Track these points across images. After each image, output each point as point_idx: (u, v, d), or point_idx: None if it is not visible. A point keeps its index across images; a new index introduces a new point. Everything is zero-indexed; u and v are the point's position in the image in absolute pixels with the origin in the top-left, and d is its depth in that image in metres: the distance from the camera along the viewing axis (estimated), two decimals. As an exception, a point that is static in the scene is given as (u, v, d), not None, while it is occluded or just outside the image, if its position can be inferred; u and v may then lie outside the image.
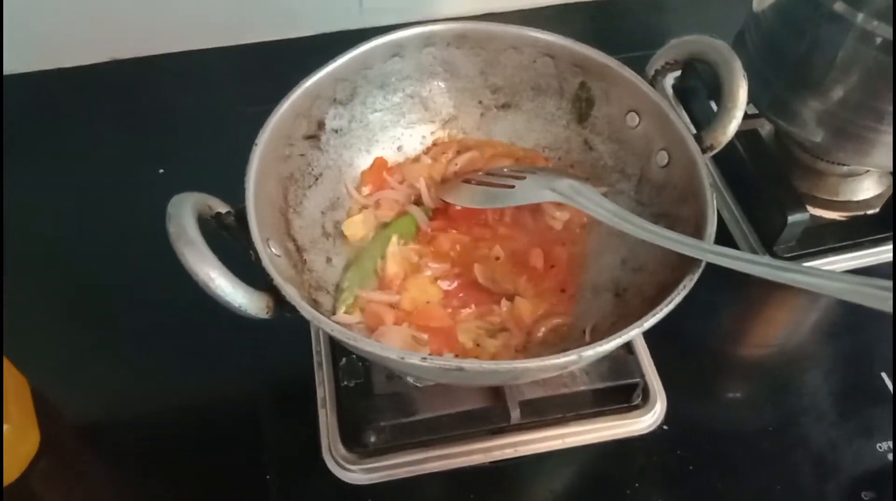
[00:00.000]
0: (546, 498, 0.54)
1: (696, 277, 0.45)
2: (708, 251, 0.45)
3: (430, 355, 0.41)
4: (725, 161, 0.70)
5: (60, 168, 0.73)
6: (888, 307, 0.38)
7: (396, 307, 0.53)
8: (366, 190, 0.59)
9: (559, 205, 0.57)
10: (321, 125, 0.56)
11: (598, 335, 0.52)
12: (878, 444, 0.56)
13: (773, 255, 0.65)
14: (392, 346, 0.47)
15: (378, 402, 0.53)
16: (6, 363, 0.55)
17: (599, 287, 0.55)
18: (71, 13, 0.76)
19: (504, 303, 0.54)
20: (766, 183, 0.66)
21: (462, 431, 0.54)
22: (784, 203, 0.63)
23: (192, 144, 0.74)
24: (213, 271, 0.40)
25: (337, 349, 0.57)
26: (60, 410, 0.57)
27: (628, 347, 0.57)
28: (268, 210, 0.50)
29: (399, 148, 0.62)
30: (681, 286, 0.44)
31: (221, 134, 0.74)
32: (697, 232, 0.48)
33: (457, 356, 0.51)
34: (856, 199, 0.69)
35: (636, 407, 0.56)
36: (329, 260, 0.55)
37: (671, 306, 0.43)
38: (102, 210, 0.69)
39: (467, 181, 0.58)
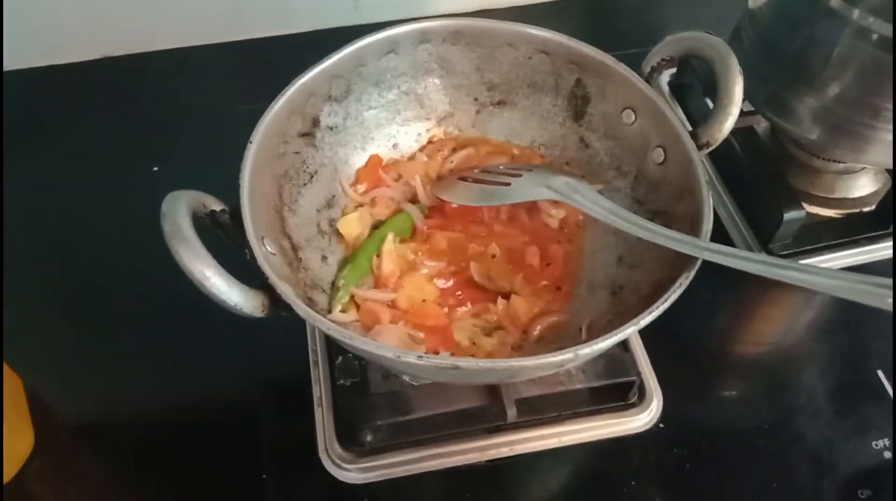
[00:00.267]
0: (542, 497, 0.54)
1: (692, 274, 0.45)
2: (704, 249, 0.45)
3: (426, 353, 0.41)
4: (721, 158, 0.70)
5: (54, 166, 0.72)
6: (887, 305, 0.38)
7: (392, 306, 0.53)
8: (361, 188, 0.59)
9: (555, 203, 0.57)
10: (316, 122, 0.56)
11: (595, 332, 0.51)
12: (875, 442, 0.56)
13: (770, 252, 0.65)
14: (388, 345, 0.47)
15: (374, 401, 0.53)
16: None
17: (595, 285, 0.55)
18: (64, 9, 0.76)
19: (500, 301, 0.54)
20: (762, 180, 0.66)
21: (458, 429, 0.54)
22: (780, 200, 0.63)
23: (187, 141, 0.74)
24: (207, 269, 0.40)
25: (333, 347, 0.57)
26: (55, 409, 0.57)
27: (624, 345, 0.57)
28: (262, 208, 0.49)
29: (394, 145, 0.61)
30: (677, 284, 0.44)
31: (216, 131, 0.73)
32: (694, 229, 0.48)
33: (453, 354, 0.51)
34: (852, 196, 0.69)
35: (632, 405, 0.56)
36: (324, 258, 0.55)
37: (667, 304, 0.43)
38: (96, 209, 0.68)
39: (463, 179, 0.57)
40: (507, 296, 0.54)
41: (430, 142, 0.62)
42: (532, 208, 0.58)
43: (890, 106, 0.56)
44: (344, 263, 0.56)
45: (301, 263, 0.53)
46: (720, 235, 0.66)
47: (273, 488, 0.53)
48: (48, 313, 0.62)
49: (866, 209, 0.68)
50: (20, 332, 0.59)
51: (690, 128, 0.52)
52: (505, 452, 0.54)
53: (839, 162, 0.67)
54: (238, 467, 0.54)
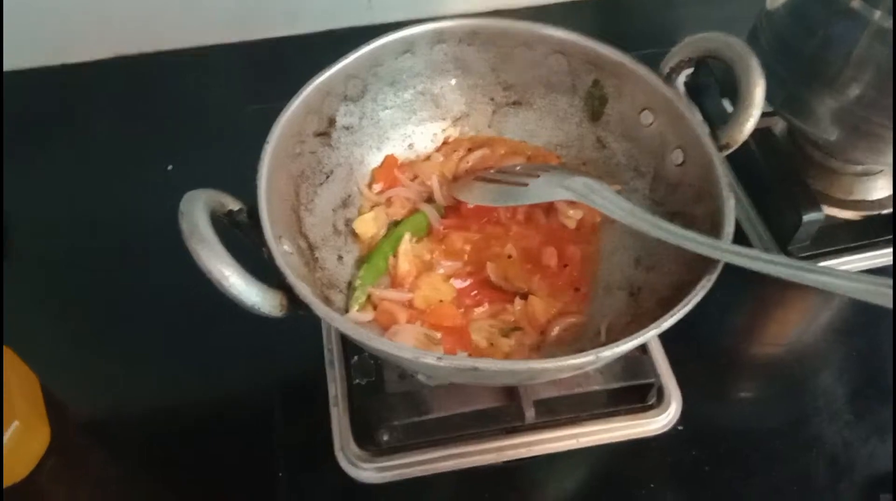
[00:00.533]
0: (560, 499, 0.54)
1: (714, 277, 0.44)
2: (726, 251, 0.45)
3: (445, 355, 0.41)
4: (738, 159, 0.69)
5: (67, 164, 0.72)
6: None
7: (409, 306, 0.53)
8: (377, 188, 0.59)
9: (572, 203, 0.57)
10: (332, 122, 0.56)
11: (613, 334, 0.51)
12: (895, 445, 0.55)
13: (788, 254, 0.64)
14: (407, 345, 0.47)
15: (391, 401, 0.52)
16: (17, 361, 0.55)
17: (613, 286, 0.55)
18: (75, 8, 0.76)
19: (517, 302, 0.54)
20: (780, 182, 0.65)
21: (475, 430, 0.54)
22: (798, 202, 0.63)
23: (200, 140, 0.74)
24: (226, 268, 0.40)
25: (349, 346, 0.57)
26: (70, 407, 0.57)
27: (643, 346, 0.57)
28: (279, 207, 0.49)
29: (410, 146, 0.61)
30: (699, 287, 0.44)
31: (229, 131, 0.74)
32: (713, 231, 0.47)
33: (470, 355, 0.51)
34: (869, 198, 0.68)
35: (651, 407, 0.56)
36: (340, 258, 0.55)
37: (689, 307, 0.43)
38: (111, 207, 0.68)
39: (480, 179, 0.57)
40: (524, 297, 0.54)
41: (445, 142, 0.62)
42: (549, 208, 0.58)
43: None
44: (360, 262, 0.55)
45: (317, 262, 0.52)
46: (737, 236, 0.64)
47: (288, 486, 0.53)
48: (64, 311, 0.62)
49: (884, 212, 0.68)
50: (36, 330, 0.59)
51: (709, 129, 0.52)
52: (522, 453, 0.54)
53: (857, 164, 0.67)
54: (253, 465, 0.54)
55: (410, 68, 0.58)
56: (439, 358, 0.40)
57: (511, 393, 0.52)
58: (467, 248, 0.56)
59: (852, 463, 0.55)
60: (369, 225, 0.56)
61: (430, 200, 0.59)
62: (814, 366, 0.60)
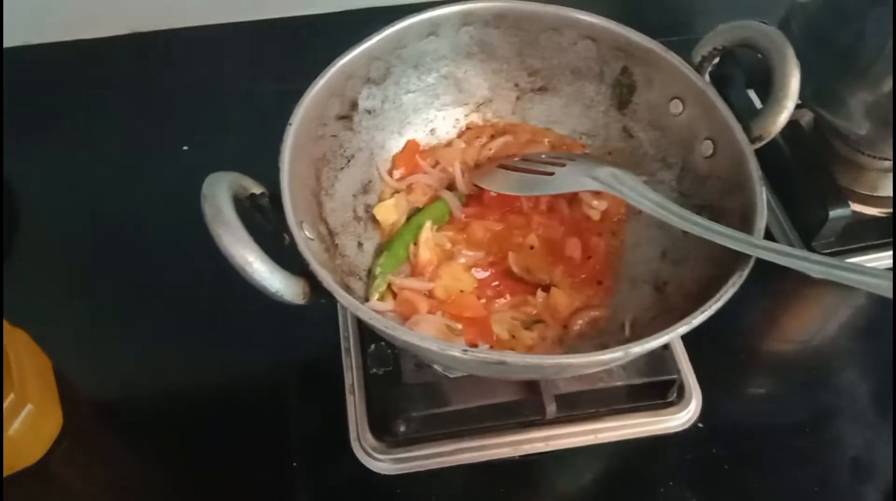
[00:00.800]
0: (577, 494, 0.53)
1: (745, 273, 0.43)
2: (758, 247, 0.43)
3: (470, 348, 0.40)
4: (763, 152, 0.68)
5: (80, 143, 0.71)
6: None
7: (430, 296, 0.52)
8: (398, 174, 0.58)
9: (597, 194, 0.56)
10: (354, 105, 0.55)
11: (638, 329, 0.50)
12: (920, 447, 0.55)
13: (812, 250, 0.63)
14: (431, 336, 0.46)
15: (408, 391, 0.52)
16: (31, 344, 0.54)
17: (638, 280, 0.54)
18: (90, -17, 0.74)
19: (540, 294, 0.53)
20: (807, 176, 0.64)
21: (493, 423, 0.53)
22: (825, 197, 0.62)
23: (215, 121, 0.73)
24: (250, 254, 0.39)
25: (365, 335, 0.56)
26: (83, 391, 0.56)
27: (665, 342, 0.56)
28: (300, 192, 0.48)
29: (432, 131, 0.60)
30: (730, 283, 0.43)
31: (245, 111, 0.73)
32: (744, 225, 0.46)
33: (491, 347, 0.50)
34: (895, 195, 0.67)
35: (671, 404, 0.55)
36: (360, 245, 0.54)
37: (721, 303, 0.42)
38: (125, 188, 0.67)
39: (503, 167, 0.56)
40: (546, 289, 0.53)
41: (467, 128, 0.61)
42: (573, 198, 0.57)
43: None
44: (380, 250, 0.54)
45: (337, 249, 0.51)
46: (762, 231, 0.65)
47: (303, 475, 0.52)
48: (77, 294, 0.61)
49: (911, 209, 0.67)
50: (49, 313, 0.59)
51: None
52: (540, 447, 0.53)
53: (885, 159, 0.65)
54: (267, 454, 0.53)
55: (435, 51, 0.57)
56: (465, 351, 0.39)
57: (531, 387, 0.51)
58: (489, 237, 0.55)
59: (875, 465, 0.54)
60: (390, 212, 0.55)
61: (451, 187, 0.58)
62: (836, 364, 0.59)
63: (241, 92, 0.74)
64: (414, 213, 0.56)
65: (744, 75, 0.69)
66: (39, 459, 0.52)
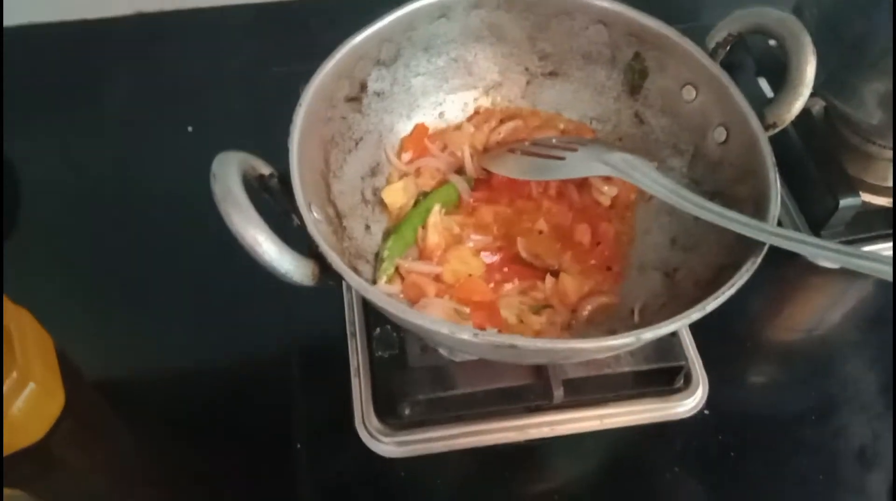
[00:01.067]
0: (581, 480, 0.53)
1: (759, 260, 0.43)
2: (773, 234, 0.43)
3: (480, 331, 0.40)
4: (773, 140, 0.68)
5: (84, 123, 0.70)
6: None
7: (438, 280, 0.52)
8: (406, 157, 0.57)
9: (607, 179, 0.55)
10: (363, 87, 0.54)
11: (647, 315, 0.50)
12: (926, 437, 0.54)
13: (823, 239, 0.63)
14: (441, 319, 0.45)
15: (414, 375, 0.51)
16: (33, 323, 0.54)
17: (647, 266, 0.53)
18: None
19: (548, 279, 0.53)
20: (817, 165, 0.64)
21: (499, 407, 0.53)
22: (835, 186, 0.61)
23: (221, 102, 0.72)
24: (260, 234, 0.39)
25: (371, 318, 0.55)
26: (85, 370, 0.56)
27: (672, 329, 0.56)
28: (309, 174, 0.48)
29: (441, 114, 0.59)
30: (743, 269, 0.42)
31: (250, 92, 0.72)
32: (756, 213, 0.46)
33: (499, 331, 0.50)
34: (904, 185, 0.67)
35: (677, 391, 0.55)
36: (368, 228, 0.54)
37: (734, 290, 0.42)
38: (129, 168, 0.67)
39: (513, 151, 0.55)
40: (555, 274, 0.53)
41: (476, 112, 0.60)
42: (583, 184, 0.56)
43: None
44: (388, 233, 0.54)
45: (345, 232, 0.51)
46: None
47: (308, 458, 0.52)
48: (80, 273, 0.61)
49: (919, 200, 0.66)
50: (52, 293, 0.58)
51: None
52: (545, 432, 0.53)
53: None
54: (272, 436, 0.53)
55: (445, 34, 0.56)
56: (476, 335, 0.39)
57: (538, 372, 0.51)
58: (497, 221, 0.55)
59: (881, 454, 0.54)
60: (398, 195, 0.55)
61: (459, 171, 0.57)
62: (842, 353, 0.59)
63: (247, 73, 0.74)
64: (422, 196, 0.56)
65: (754, 63, 0.69)
66: (41, 438, 0.52)
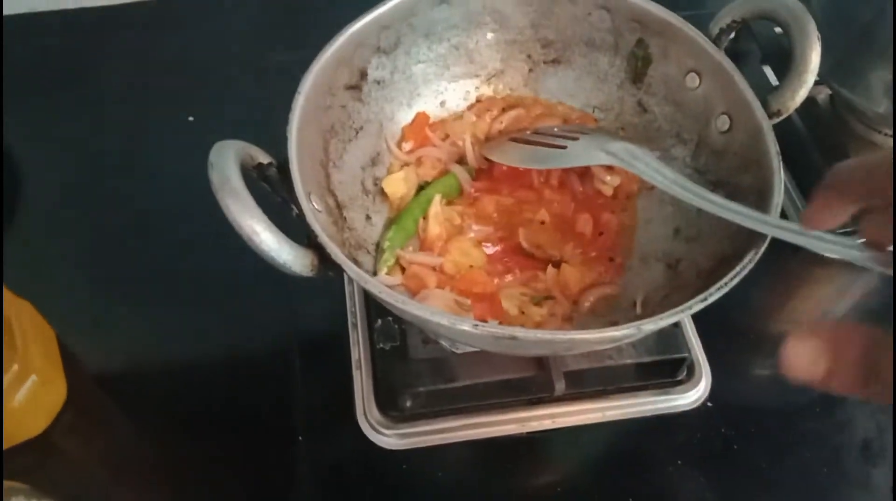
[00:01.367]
0: (583, 472, 0.53)
1: (761, 251, 0.42)
2: (774, 226, 0.42)
3: (481, 322, 0.39)
4: (778, 129, 0.67)
5: (83, 112, 0.70)
6: None
7: (439, 271, 0.51)
8: (407, 146, 0.56)
9: (610, 169, 0.55)
10: (363, 75, 0.53)
11: (649, 307, 0.50)
12: (930, 431, 0.54)
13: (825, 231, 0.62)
14: (442, 310, 0.45)
15: (415, 367, 0.51)
16: (35, 315, 0.53)
17: (650, 257, 0.53)
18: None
19: (550, 270, 0.52)
20: (822, 154, 0.63)
21: (500, 400, 0.53)
22: (840, 176, 0.60)
23: (221, 90, 0.72)
24: (258, 224, 0.38)
25: (372, 309, 0.55)
26: (87, 363, 0.56)
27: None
28: (309, 163, 0.47)
29: (442, 103, 0.59)
30: (745, 260, 0.42)
31: (251, 81, 0.72)
32: (760, 202, 0.45)
33: (501, 323, 0.49)
34: (912, 175, 0.66)
35: (680, 383, 0.54)
36: (368, 218, 0.53)
37: (736, 281, 0.41)
38: (129, 159, 0.66)
39: (514, 140, 0.55)
40: (556, 265, 0.52)
41: (478, 100, 0.59)
42: (585, 174, 0.55)
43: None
44: (388, 223, 0.54)
45: (346, 222, 0.51)
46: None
47: (309, 450, 0.52)
48: (81, 265, 0.61)
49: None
50: (52, 285, 0.58)
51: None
52: (547, 424, 0.53)
53: (903, 137, 0.64)
54: (274, 428, 0.53)
55: (446, 20, 0.55)
56: (476, 326, 0.39)
57: (539, 364, 0.51)
58: (499, 212, 0.54)
59: (885, 448, 0.53)
60: (398, 185, 0.54)
61: (460, 160, 0.57)
62: (847, 346, 0.59)
63: (248, 61, 0.73)
64: (423, 186, 0.55)
65: (759, 51, 0.68)
66: (43, 430, 0.52)
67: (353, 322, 0.56)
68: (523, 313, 0.50)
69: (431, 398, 0.52)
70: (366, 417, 0.52)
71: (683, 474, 0.52)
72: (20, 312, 0.52)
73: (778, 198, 0.45)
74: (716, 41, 0.52)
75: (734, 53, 0.73)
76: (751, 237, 0.43)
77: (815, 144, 0.64)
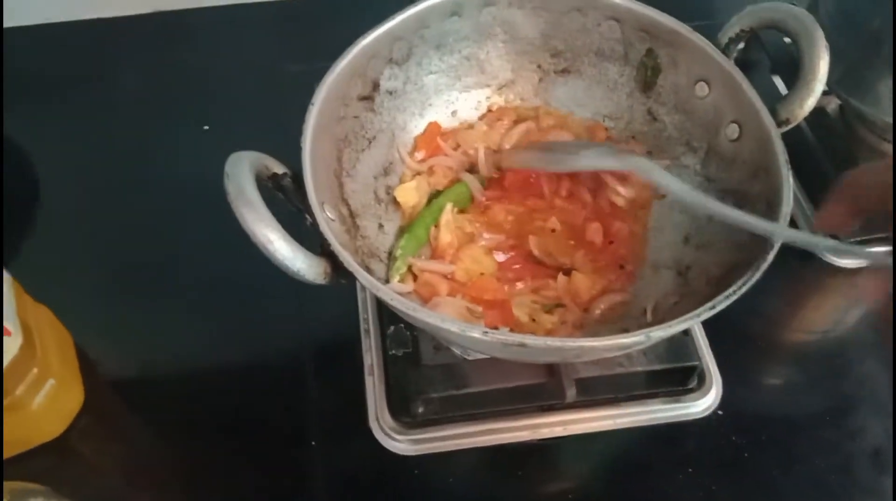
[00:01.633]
0: (594, 479, 0.53)
1: (770, 258, 0.42)
2: (781, 236, 0.43)
3: (491, 329, 0.40)
4: (787, 138, 0.67)
5: (101, 121, 0.71)
6: None
7: (450, 278, 0.52)
8: (419, 155, 0.57)
9: (624, 181, 0.55)
10: (376, 86, 0.54)
11: (659, 314, 0.50)
12: (943, 440, 0.54)
13: (835, 239, 0.62)
14: (452, 318, 0.45)
15: (427, 373, 0.51)
16: (53, 319, 0.54)
17: (660, 265, 0.53)
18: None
19: (560, 278, 0.52)
20: (833, 163, 0.63)
21: (512, 406, 0.53)
22: (851, 185, 0.60)
23: (237, 100, 0.73)
24: (272, 233, 0.39)
25: (385, 316, 0.56)
26: (104, 367, 0.56)
27: (686, 328, 0.55)
28: (322, 173, 0.48)
29: (453, 113, 0.59)
30: (754, 267, 0.42)
31: (266, 91, 0.73)
32: (769, 210, 0.46)
33: (511, 330, 0.50)
34: (923, 184, 0.66)
35: (691, 391, 0.54)
36: (381, 227, 0.54)
37: (745, 288, 0.41)
38: (146, 166, 0.67)
39: (529, 149, 0.55)
40: (567, 272, 0.53)
41: (489, 110, 0.60)
42: (598, 186, 0.56)
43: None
44: (401, 232, 0.54)
45: (358, 230, 0.51)
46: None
47: (322, 455, 0.52)
48: (99, 270, 0.62)
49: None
50: (70, 289, 0.59)
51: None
52: (558, 431, 0.53)
53: (913, 147, 0.64)
54: (287, 433, 0.54)
55: (457, 31, 0.56)
56: (485, 333, 0.39)
57: (551, 371, 0.51)
58: (510, 220, 0.55)
59: (897, 457, 0.53)
60: (411, 194, 0.55)
61: (472, 169, 0.57)
62: (858, 355, 0.59)
63: (264, 72, 0.74)
64: (435, 195, 0.56)
65: (769, 61, 0.68)
66: (60, 434, 0.52)
67: (366, 328, 0.56)
68: (534, 320, 0.51)
69: (443, 404, 0.52)
70: (378, 422, 0.53)
71: (694, 482, 0.52)
72: (39, 317, 0.53)
73: (787, 206, 0.45)
74: (725, 51, 0.53)
75: (743, 63, 0.73)
76: (761, 245, 0.43)
77: (825, 154, 0.64)
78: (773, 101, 0.50)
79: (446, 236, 0.53)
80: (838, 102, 0.67)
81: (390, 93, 0.55)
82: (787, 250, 0.43)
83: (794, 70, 0.50)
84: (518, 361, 0.50)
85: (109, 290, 0.61)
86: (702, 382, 0.55)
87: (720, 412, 0.54)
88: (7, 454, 0.51)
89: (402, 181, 0.56)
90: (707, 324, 0.57)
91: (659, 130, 0.57)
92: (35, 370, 0.50)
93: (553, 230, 0.55)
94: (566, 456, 0.54)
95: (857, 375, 0.57)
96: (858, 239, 0.62)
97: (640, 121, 0.58)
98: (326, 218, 0.45)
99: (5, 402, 0.48)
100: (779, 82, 0.67)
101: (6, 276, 0.50)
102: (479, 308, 0.50)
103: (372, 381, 0.54)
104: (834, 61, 0.59)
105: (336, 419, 0.54)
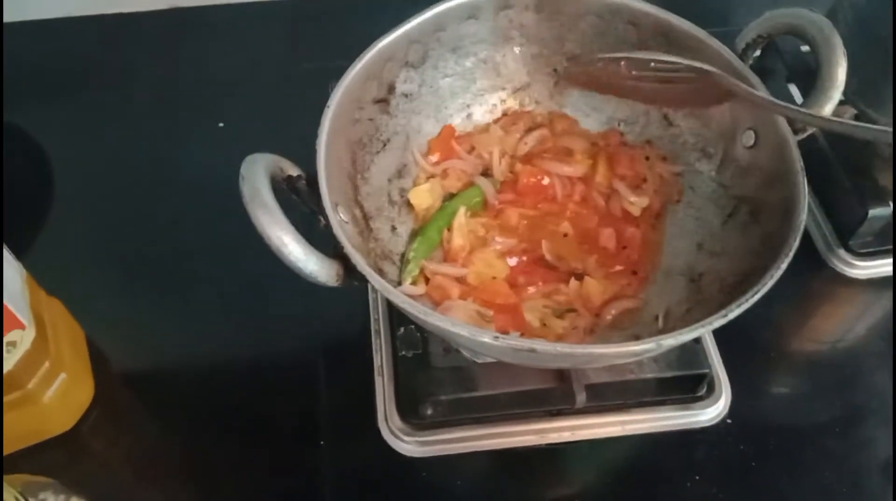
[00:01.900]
0: (601, 485, 0.53)
1: (784, 266, 0.42)
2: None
3: (501, 334, 0.40)
4: (803, 148, 0.67)
5: (116, 116, 0.72)
6: None
7: (462, 282, 0.52)
8: (433, 158, 0.57)
9: (637, 189, 0.55)
10: (391, 89, 0.54)
11: (671, 321, 0.50)
12: (953, 453, 0.53)
13: (849, 250, 0.62)
14: (462, 322, 0.45)
15: (437, 375, 0.52)
16: (65, 313, 0.55)
17: (673, 271, 0.53)
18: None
19: (572, 282, 0.53)
20: (848, 173, 0.63)
21: (521, 410, 0.53)
22: (865, 195, 0.60)
23: (253, 98, 0.73)
24: (286, 235, 0.39)
25: (395, 317, 0.56)
26: (115, 362, 0.57)
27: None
28: (336, 175, 0.48)
29: (468, 116, 0.60)
30: (767, 275, 0.42)
31: (280, 89, 0.73)
32: (784, 219, 0.46)
33: (522, 335, 0.50)
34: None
35: (700, 398, 0.54)
36: (394, 229, 0.54)
37: (758, 296, 0.41)
38: (160, 162, 0.68)
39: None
40: (579, 278, 0.53)
41: (504, 114, 0.60)
42: (611, 194, 0.56)
43: None
44: (414, 235, 0.54)
45: (372, 233, 0.51)
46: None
47: (331, 455, 0.53)
48: (112, 265, 0.62)
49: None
50: (82, 284, 0.59)
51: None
52: (566, 437, 0.53)
53: (929, 159, 0.64)
54: (296, 432, 0.54)
55: (474, 34, 0.56)
56: (496, 338, 0.39)
57: (561, 376, 0.51)
58: (523, 224, 0.55)
59: (907, 469, 0.53)
60: (424, 196, 0.55)
61: (485, 173, 0.57)
62: (868, 365, 0.58)
63: (277, 69, 0.74)
64: (448, 198, 0.56)
65: (785, 69, 0.68)
66: (71, 427, 0.53)
67: (376, 329, 0.56)
68: (545, 325, 0.51)
69: (452, 406, 0.52)
70: (387, 423, 0.53)
71: (701, 490, 0.52)
72: (52, 310, 0.53)
73: (803, 214, 0.45)
74: (742, 56, 0.52)
75: (760, 71, 0.73)
76: (774, 253, 0.43)
77: (840, 164, 0.63)
78: (790, 109, 0.50)
79: (459, 240, 0.53)
80: (854, 112, 0.67)
81: (406, 96, 0.56)
82: (799, 260, 0.43)
83: (810, 79, 0.50)
84: (528, 366, 0.50)
85: (121, 285, 0.61)
86: (711, 390, 0.55)
87: (729, 421, 0.54)
88: (17, 447, 0.51)
89: (415, 184, 0.56)
90: (717, 332, 0.57)
91: (674, 136, 0.57)
92: (47, 364, 0.50)
93: (566, 235, 0.55)
94: (574, 462, 0.54)
95: (866, 385, 0.57)
96: (878, 249, 0.63)
97: (655, 126, 0.58)
98: (340, 220, 0.45)
99: (17, 395, 0.49)
100: (795, 91, 0.67)
101: (21, 270, 0.50)
102: (490, 312, 0.50)
103: (381, 382, 0.54)
104: (851, 72, 0.58)
105: (345, 418, 0.54)
